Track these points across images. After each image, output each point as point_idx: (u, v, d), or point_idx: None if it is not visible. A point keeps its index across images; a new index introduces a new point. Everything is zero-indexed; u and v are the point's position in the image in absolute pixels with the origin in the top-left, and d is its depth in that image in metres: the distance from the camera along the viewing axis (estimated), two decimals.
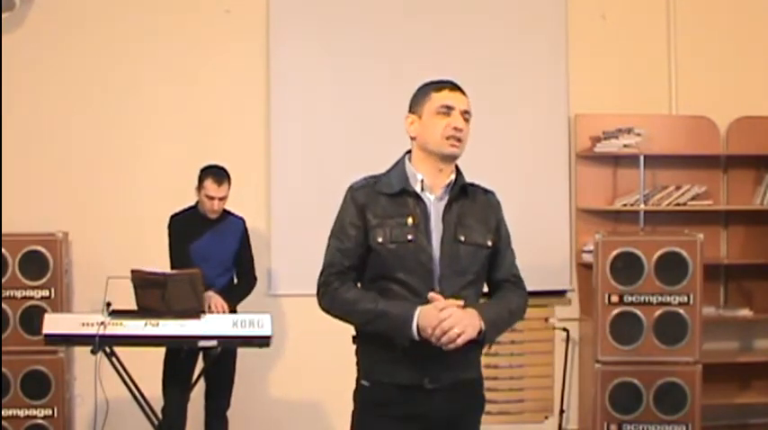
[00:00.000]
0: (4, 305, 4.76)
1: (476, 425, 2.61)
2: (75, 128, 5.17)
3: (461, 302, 2.40)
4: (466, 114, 2.53)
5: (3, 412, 4.71)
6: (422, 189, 2.52)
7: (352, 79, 5.25)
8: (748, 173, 5.44)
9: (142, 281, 4.08)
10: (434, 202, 2.52)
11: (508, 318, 2.56)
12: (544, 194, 5.33)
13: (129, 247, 4.64)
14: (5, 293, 4.76)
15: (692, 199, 5.28)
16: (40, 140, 5.15)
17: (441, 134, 2.49)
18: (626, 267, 4.71)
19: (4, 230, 4.84)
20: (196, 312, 4.02)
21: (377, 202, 2.50)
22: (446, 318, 2.33)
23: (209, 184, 4.35)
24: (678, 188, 5.30)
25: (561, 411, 5.33)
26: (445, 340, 2.33)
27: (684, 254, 4.68)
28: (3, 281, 4.75)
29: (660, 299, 4.69)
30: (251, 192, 5.17)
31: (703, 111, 5.41)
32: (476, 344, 2.42)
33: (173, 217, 4.48)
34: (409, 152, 2.61)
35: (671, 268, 4.68)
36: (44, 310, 4.63)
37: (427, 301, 2.39)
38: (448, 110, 2.50)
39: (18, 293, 4.78)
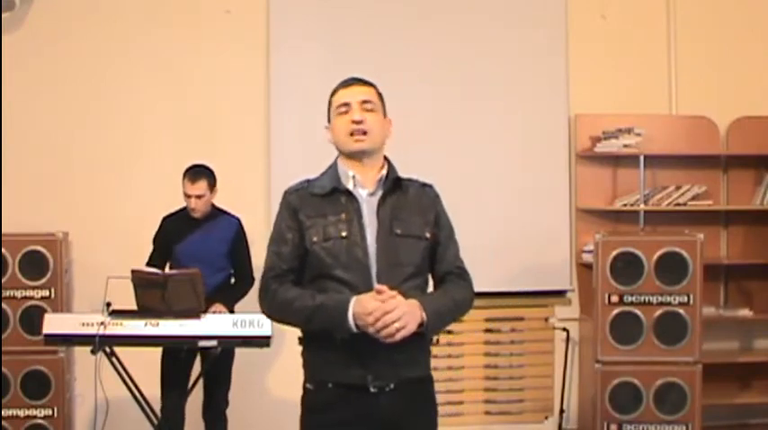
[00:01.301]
0: (4, 305, 4.76)
1: (429, 426, 2.55)
2: (75, 128, 5.17)
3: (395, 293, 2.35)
4: (366, 104, 2.52)
5: (3, 412, 4.71)
6: (354, 186, 2.51)
7: None
8: (748, 173, 5.44)
9: (142, 281, 4.08)
10: (367, 198, 2.51)
11: (453, 309, 2.50)
12: (544, 194, 5.33)
13: (129, 247, 4.64)
14: (5, 293, 4.76)
15: (692, 199, 5.28)
16: (40, 140, 5.15)
17: (344, 132, 2.50)
18: (626, 267, 4.71)
19: (4, 230, 4.84)
20: (196, 312, 4.02)
21: (309, 204, 2.51)
22: (389, 311, 2.30)
23: (185, 182, 4.38)
24: (678, 188, 5.30)
25: (561, 411, 5.33)
26: (384, 333, 2.30)
27: (684, 254, 4.68)
28: (3, 281, 4.75)
29: (660, 299, 4.69)
30: (251, 192, 5.17)
31: (703, 111, 5.41)
32: (418, 337, 2.38)
33: (164, 217, 4.51)
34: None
35: (671, 268, 4.68)
36: (44, 310, 4.63)
37: None
38: (346, 107, 2.51)
39: (18, 293, 4.78)
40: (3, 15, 5.01)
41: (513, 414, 5.40)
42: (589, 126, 5.36)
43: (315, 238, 2.46)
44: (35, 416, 4.76)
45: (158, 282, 4.05)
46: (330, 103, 2.59)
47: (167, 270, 4.39)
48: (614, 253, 4.72)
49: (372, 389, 2.41)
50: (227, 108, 5.25)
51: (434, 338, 2.54)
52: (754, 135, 5.39)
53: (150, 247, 4.50)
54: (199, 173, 4.38)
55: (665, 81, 5.50)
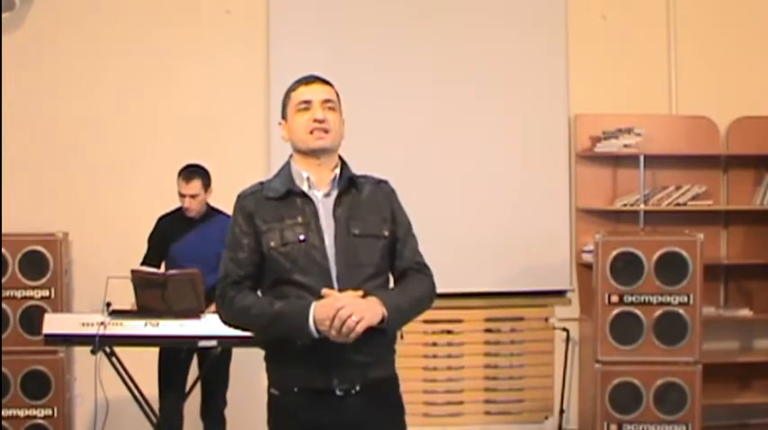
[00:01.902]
0: (4, 305, 4.76)
1: (397, 427, 2.51)
2: (74, 128, 5.17)
3: (360, 292, 2.33)
4: (327, 103, 2.48)
5: (3, 412, 4.71)
6: (309, 187, 2.47)
7: (351, 79, 5.23)
8: (748, 173, 5.44)
9: (142, 281, 4.08)
10: (322, 199, 2.46)
11: (414, 303, 2.46)
12: (544, 194, 5.33)
13: (129, 247, 4.63)
14: (5, 293, 4.76)
15: (692, 199, 5.28)
16: (40, 140, 5.15)
17: (304, 130, 2.45)
18: (626, 267, 4.70)
19: (4, 230, 4.85)
20: (196, 312, 4.02)
21: (265, 208, 2.45)
22: (342, 307, 2.26)
23: (179, 182, 4.39)
24: (678, 188, 5.30)
25: (561, 411, 5.33)
26: (345, 330, 2.25)
27: (684, 254, 4.68)
28: (3, 281, 4.75)
29: (660, 299, 4.69)
30: None
31: (703, 111, 5.41)
32: (380, 333, 2.35)
33: (160, 217, 4.52)
34: (292, 155, 2.58)
35: (671, 268, 4.68)
36: (44, 310, 4.63)
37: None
38: (307, 104, 2.46)
39: (18, 293, 4.78)
40: (3, 15, 5.01)
41: (513, 414, 5.39)
42: (589, 126, 5.36)
43: (272, 243, 2.41)
44: (35, 416, 4.76)
45: (158, 282, 4.05)
46: (288, 99, 2.52)
47: (163, 269, 4.39)
48: (614, 253, 4.71)
49: (338, 393, 2.37)
50: (226, 108, 5.25)
51: (399, 335, 2.50)
52: (754, 135, 5.39)
53: None
54: (193, 172, 4.38)
55: (665, 81, 5.50)
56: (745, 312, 5.30)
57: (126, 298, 4.12)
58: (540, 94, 5.37)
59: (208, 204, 4.49)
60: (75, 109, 5.17)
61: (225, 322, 2.52)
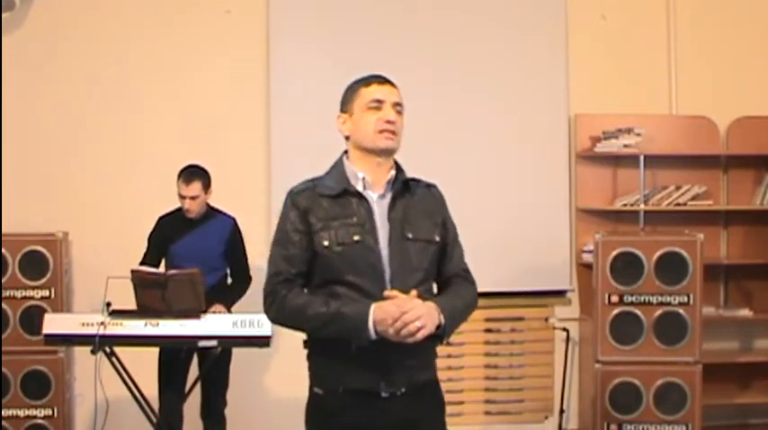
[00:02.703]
0: (4, 305, 4.76)
1: (439, 427, 2.53)
2: (74, 128, 5.17)
3: (415, 293, 2.33)
4: (397, 107, 2.48)
5: (3, 412, 4.71)
6: (364, 187, 2.45)
7: (351, 79, 5.24)
8: (748, 173, 5.44)
9: (142, 281, 4.08)
10: (377, 200, 2.45)
11: (463, 311, 2.47)
12: (544, 194, 5.33)
13: (129, 247, 4.63)
14: (5, 293, 4.76)
15: (692, 199, 5.28)
16: (40, 140, 5.15)
17: (373, 129, 2.44)
18: (626, 267, 4.71)
19: (4, 230, 4.85)
20: (196, 312, 4.02)
21: (319, 205, 2.43)
22: (408, 311, 2.26)
23: (179, 183, 4.39)
24: (678, 188, 5.30)
25: (561, 411, 5.33)
26: (405, 333, 2.26)
27: (684, 254, 4.68)
28: (3, 281, 4.75)
29: (660, 299, 4.69)
30: (251, 192, 5.17)
31: (703, 112, 5.41)
32: (434, 340, 2.36)
33: (160, 217, 4.52)
34: (346, 152, 2.56)
35: (671, 268, 4.68)
36: (44, 310, 4.63)
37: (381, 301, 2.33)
38: (378, 103, 2.45)
39: (18, 293, 4.78)
40: (3, 15, 5.01)
41: (513, 414, 5.40)
42: (589, 126, 5.36)
43: (326, 242, 2.39)
44: (35, 416, 4.76)
45: (158, 281, 4.05)
46: (355, 94, 2.51)
47: (162, 269, 4.39)
48: (614, 253, 4.72)
49: (384, 394, 2.38)
50: (227, 108, 5.25)
51: (447, 340, 2.48)
52: (754, 135, 5.39)
53: None
54: (193, 174, 4.38)
55: (665, 81, 5.50)
56: (745, 312, 5.31)
57: (126, 298, 4.12)
58: (540, 94, 5.37)
59: (208, 205, 4.49)
60: (75, 109, 5.17)
61: (273, 321, 2.50)
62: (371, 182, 2.46)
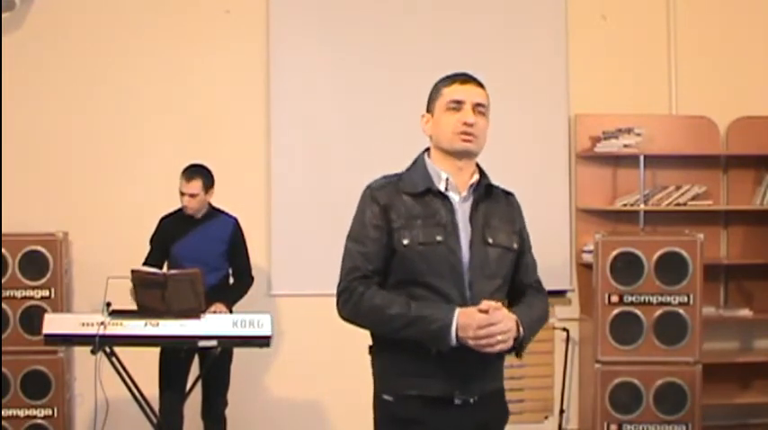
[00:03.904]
0: (4, 305, 4.76)
1: None
2: (75, 128, 5.17)
3: (501, 304, 2.29)
4: (479, 107, 2.42)
5: (3, 412, 4.71)
6: (446, 188, 2.40)
7: (351, 79, 5.25)
8: (748, 173, 5.44)
9: (142, 281, 4.08)
10: (460, 203, 2.40)
11: (538, 325, 2.44)
12: (544, 194, 5.33)
13: (129, 247, 4.64)
14: (5, 293, 4.76)
15: (692, 199, 5.28)
16: (40, 140, 5.15)
17: (451, 130, 2.39)
18: (626, 267, 4.71)
19: (4, 230, 4.84)
20: (196, 312, 4.02)
21: (401, 202, 2.36)
22: (496, 323, 2.23)
23: (181, 181, 4.39)
24: (678, 188, 5.29)
25: (561, 411, 5.33)
26: (484, 343, 2.22)
27: (684, 254, 4.68)
28: (3, 281, 4.75)
29: (660, 299, 4.69)
30: (251, 192, 5.17)
31: (703, 111, 5.41)
32: (509, 351, 2.32)
33: (162, 218, 4.53)
34: (427, 150, 2.50)
35: (671, 268, 4.68)
36: (44, 310, 4.63)
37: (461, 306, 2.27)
38: (457, 104, 2.40)
39: (18, 293, 4.78)
40: (3, 15, 5.01)
41: (513, 414, 5.28)
42: (589, 126, 5.36)
43: (406, 241, 2.31)
44: (35, 416, 4.76)
45: (158, 281, 4.05)
46: (438, 94, 2.46)
47: (166, 270, 4.39)
48: (614, 253, 4.72)
49: (457, 402, 2.32)
50: (227, 108, 5.25)
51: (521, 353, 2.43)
52: (754, 135, 5.39)
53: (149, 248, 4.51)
54: (195, 172, 4.39)
55: (665, 81, 5.50)
56: (745, 312, 5.30)
57: (126, 298, 4.12)
58: (540, 94, 5.37)
59: (210, 205, 4.49)
60: (75, 109, 5.17)
61: (347, 318, 2.39)
62: (455, 183, 2.41)
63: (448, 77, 2.48)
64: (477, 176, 2.45)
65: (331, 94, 5.26)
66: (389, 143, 5.09)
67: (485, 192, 2.45)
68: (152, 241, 4.50)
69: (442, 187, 2.39)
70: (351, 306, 2.35)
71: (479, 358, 2.28)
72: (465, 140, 2.39)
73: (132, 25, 5.20)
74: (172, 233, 4.44)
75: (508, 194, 2.56)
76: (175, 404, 4.33)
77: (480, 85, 2.47)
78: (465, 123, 2.38)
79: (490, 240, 2.38)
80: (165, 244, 4.45)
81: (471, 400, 2.34)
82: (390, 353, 2.37)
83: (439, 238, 2.32)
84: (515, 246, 2.46)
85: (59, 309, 4.75)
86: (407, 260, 2.32)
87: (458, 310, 2.25)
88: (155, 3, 5.23)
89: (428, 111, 2.49)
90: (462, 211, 2.39)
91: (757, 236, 5.41)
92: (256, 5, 5.24)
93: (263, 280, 5.04)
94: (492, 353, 2.28)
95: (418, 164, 2.46)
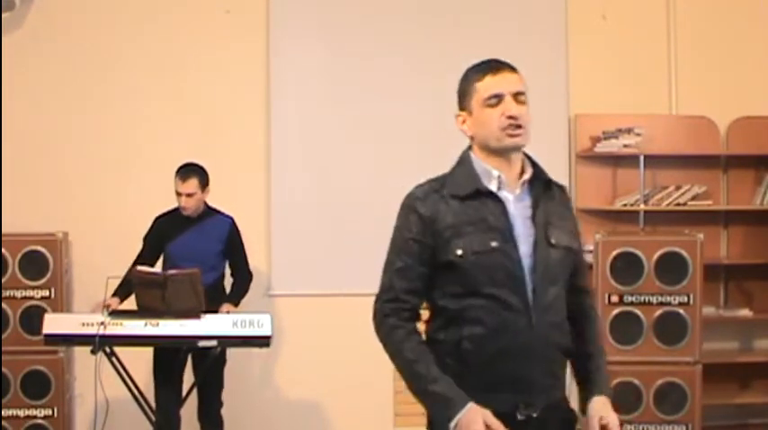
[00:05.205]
0: (4, 305, 4.76)
1: None
2: (74, 128, 5.17)
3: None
4: (520, 96, 2.24)
5: (3, 412, 4.71)
6: (498, 188, 2.19)
7: (351, 79, 5.25)
8: (748, 173, 5.43)
9: (142, 281, 4.08)
10: (514, 202, 2.19)
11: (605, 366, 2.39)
12: None
13: (129, 247, 4.63)
14: (5, 293, 4.76)
15: (692, 199, 5.28)
16: (40, 140, 5.15)
17: (497, 127, 2.18)
18: (626, 267, 4.70)
19: (4, 230, 4.84)
20: (196, 312, 4.02)
21: (447, 209, 2.15)
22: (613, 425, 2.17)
23: (176, 180, 4.39)
24: (678, 188, 5.29)
25: None
26: None
27: (684, 254, 4.68)
28: (3, 281, 4.75)
29: (660, 299, 4.69)
30: (251, 192, 5.18)
31: (703, 112, 5.41)
32: (567, 357, 2.30)
33: (157, 217, 4.52)
34: (470, 147, 2.28)
35: (671, 268, 4.67)
36: (44, 310, 4.63)
37: (520, 315, 2.12)
38: (497, 98, 2.21)
39: (18, 293, 4.78)
40: (3, 15, 5.01)
41: None
42: (589, 126, 5.35)
43: (459, 251, 2.12)
44: (35, 416, 4.76)
45: (158, 282, 4.05)
46: (472, 89, 2.25)
47: (159, 269, 4.39)
48: (614, 253, 4.71)
49: (520, 417, 2.14)
50: (226, 108, 5.25)
51: None
52: (754, 135, 5.39)
53: None
54: (190, 171, 4.38)
55: (665, 81, 5.50)
56: (745, 312, 5.30)
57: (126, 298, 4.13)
58: (540, 94, 5.30)
59: (206, 204, 4.49)
60: (75, 109, 5.17)
61: (380, 341, 2.23)
62: (507, 180, 2.20)
63: (478, 68, 2.30)
64: (530, 170, 2.25)
65: (331, 94, 5.26)
66: (389, 143, 5.10)
67: (543, 187, 2.25)
68: (145, 239, 4.49)
69: (493, 186, 2.19)
70: (382, 335, 2.21)
71: (544, 368, 2.19)
72: (513, 136, 2.20)
73: (132, 25, 5.20)
74: (167, 232, 4.43)
75: (562, 188, 2.34)
76: (171, 403, 4.33)
77: (513, 69, 2.30)
78: (510, 116, 2.20)
79: (553, 241, 2.18)
80: (159, 243, 4.44)
81: (534, 414, 2.17)
82: (449, 366, 2.17)
83: (494, 244, 2.13)
84: (575, 246, 2.27)
85: (59, 309, 4.74)
86: (462, 271, 2.13)
87: (467, 408, 2.07)
88: (155, 3, 5.23)
89: (462, 109, 2.27)
90: (519, 211, 2.18)
91: (757, 236, 5.41)
92: (256, 5, 5.24)
93: (262, 280, 5.04)
94: (555, 361, 2.23)
95: (463, 164, 2.24)
